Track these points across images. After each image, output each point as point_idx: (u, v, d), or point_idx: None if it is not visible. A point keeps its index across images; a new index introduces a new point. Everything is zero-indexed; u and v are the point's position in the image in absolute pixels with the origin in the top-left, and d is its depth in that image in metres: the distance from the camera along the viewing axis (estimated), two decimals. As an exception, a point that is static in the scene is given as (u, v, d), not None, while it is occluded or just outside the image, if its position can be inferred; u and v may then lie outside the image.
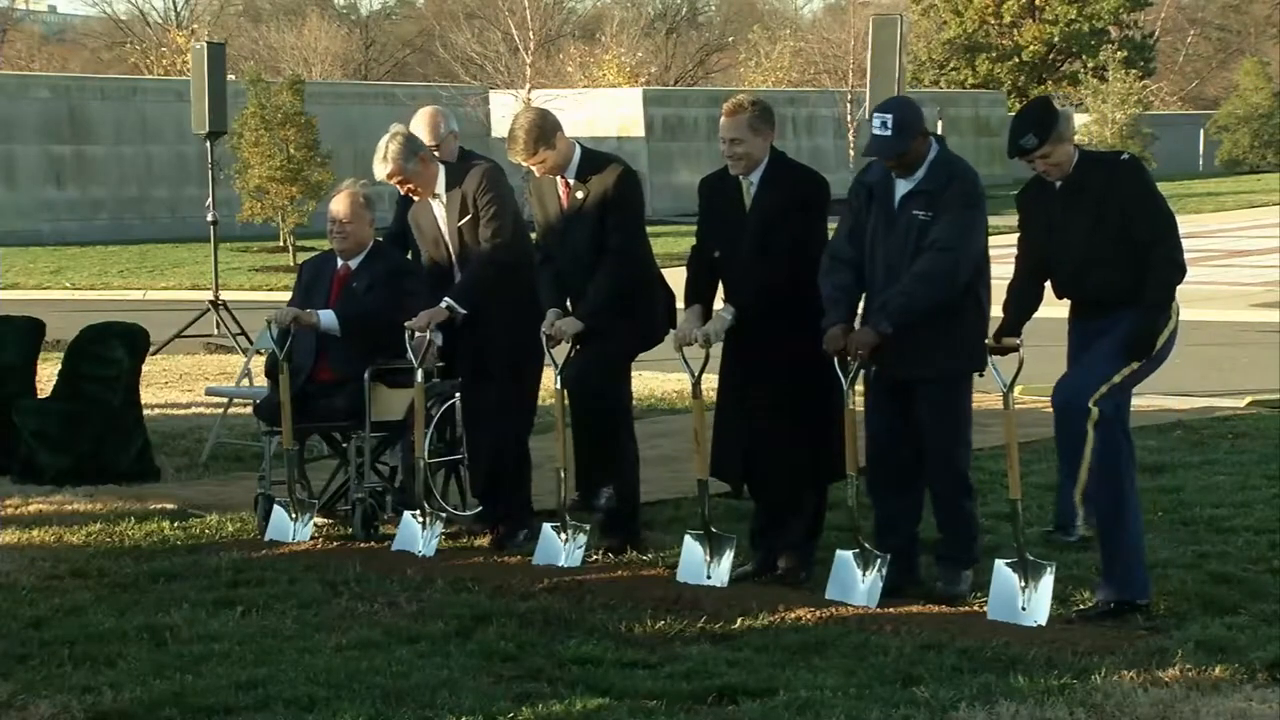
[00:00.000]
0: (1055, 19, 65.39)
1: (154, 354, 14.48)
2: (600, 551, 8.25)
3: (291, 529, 8.69)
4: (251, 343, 13.52)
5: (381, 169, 8.65)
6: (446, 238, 8.76)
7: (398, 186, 8.79)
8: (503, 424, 8.65)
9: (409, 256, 9.65)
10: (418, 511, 8.46)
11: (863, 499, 7.54)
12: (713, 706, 6.02)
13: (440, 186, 8.73)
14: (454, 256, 8.75)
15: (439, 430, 8.88)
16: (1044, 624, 6.98)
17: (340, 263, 9.02)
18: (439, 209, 8.76)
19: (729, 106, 7.81)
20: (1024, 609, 7.04)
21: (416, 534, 8.43)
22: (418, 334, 8.48)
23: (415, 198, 8.83)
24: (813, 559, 7.84)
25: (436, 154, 9.23)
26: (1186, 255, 7.25)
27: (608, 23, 64.50)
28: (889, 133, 7.33)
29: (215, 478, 10.57)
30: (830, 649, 6.63)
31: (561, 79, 51.89)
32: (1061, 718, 5.83)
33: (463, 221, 8.64)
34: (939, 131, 24.76)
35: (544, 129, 8.31)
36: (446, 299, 8.51)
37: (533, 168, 8.44)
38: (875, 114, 7.42)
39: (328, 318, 8.81)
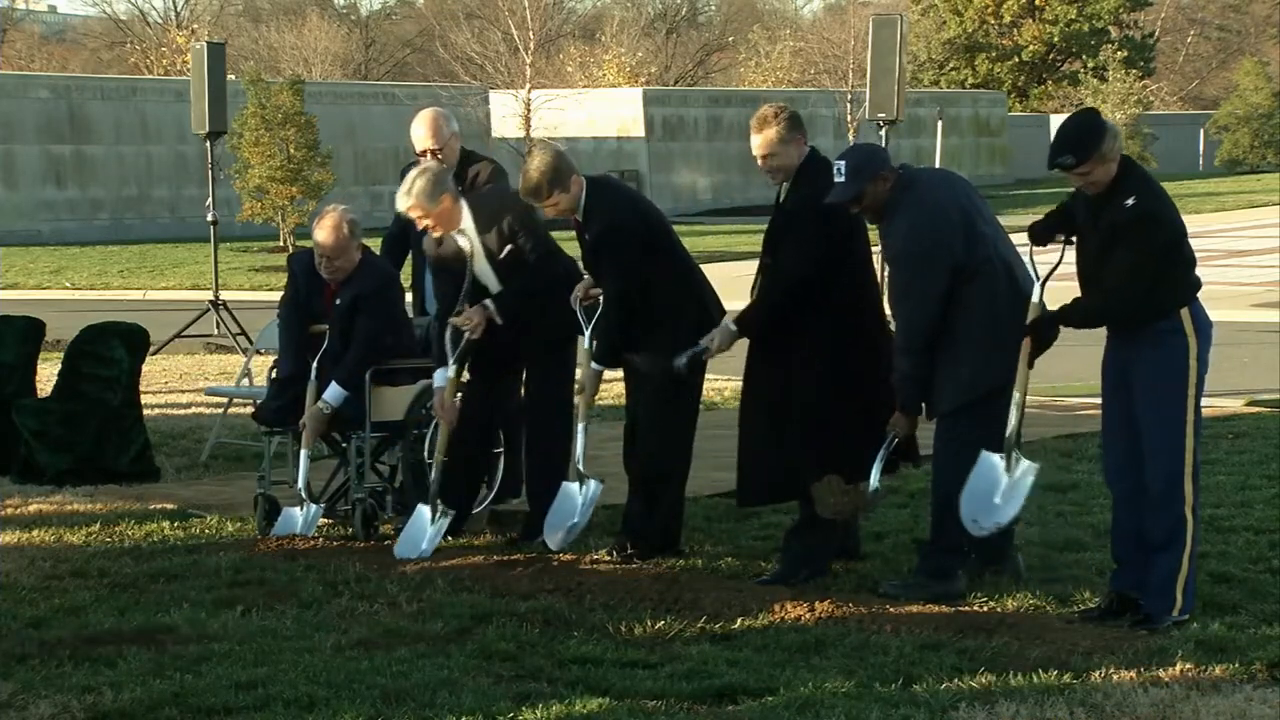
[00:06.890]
0: (1055, 19, 65.39)
1: (154, 354, 14.48)
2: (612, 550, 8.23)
3: (300, 519, 8.71)
4: (251, 342, 13.51)
5: (404, 202, 8.51)
6: (476, 271, 8.55)
7: (418, 222, 8.57)
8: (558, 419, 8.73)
9: (408, 256, 9.66)
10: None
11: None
12: (713, 706, 6.01)
13: (466, 221, 8.53)
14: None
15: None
16: (1015, 515, 7.15)
17: None
18: (464, 243, 8.54)
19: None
20: (998, 502, 7.08)
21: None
22: (467, 334, 8.45)
23: (435, 234, 8.58)
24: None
25: (439, 156, 9.21)
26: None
27: (608, 23, 64.51)
28: (842, 177, 7.38)
29: (215, 478, 10.57)
30: (830, 649, 6.63)
31: (561, 79, 51.90)
32: (1061, 718, 5.82)
33: (504, 253, 8.45)
34: (939, 131, 24.52)
35: (560, 171, 8.18)
36: (489, 303, 8.44)
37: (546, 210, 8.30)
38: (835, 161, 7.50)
39: (335, 395, 8.72)
